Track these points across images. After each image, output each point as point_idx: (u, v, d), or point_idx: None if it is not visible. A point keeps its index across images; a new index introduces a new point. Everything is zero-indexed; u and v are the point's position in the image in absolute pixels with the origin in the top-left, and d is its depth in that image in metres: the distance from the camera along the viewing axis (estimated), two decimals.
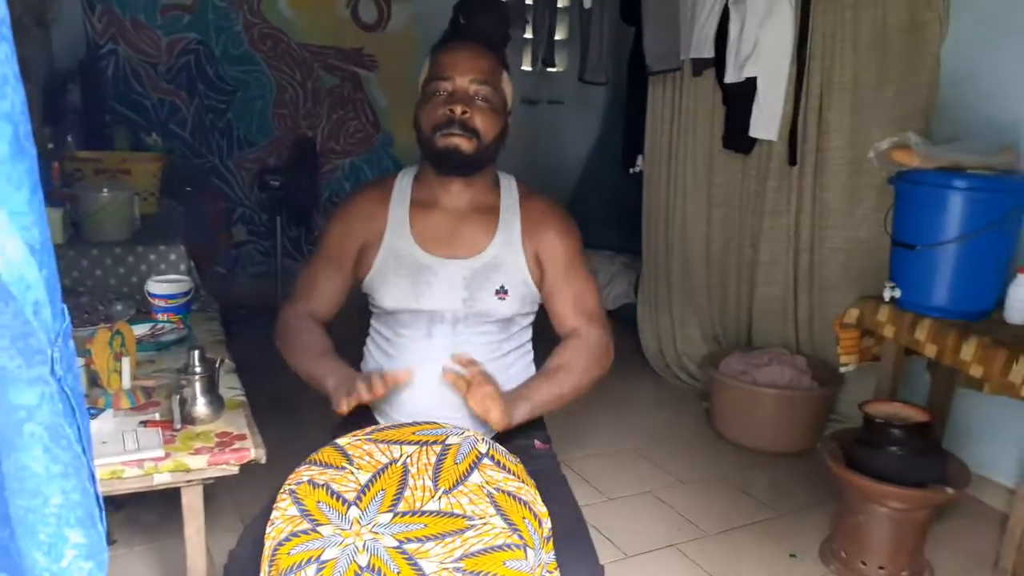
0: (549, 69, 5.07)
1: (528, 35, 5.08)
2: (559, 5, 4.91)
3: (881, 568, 2.12)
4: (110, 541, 0.71)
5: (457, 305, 1.50)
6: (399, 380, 1.44)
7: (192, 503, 1.44)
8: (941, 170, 2.17)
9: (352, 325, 1.73)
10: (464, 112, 1.46)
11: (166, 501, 2.14)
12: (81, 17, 4.01)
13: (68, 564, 0.68)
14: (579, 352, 1.54)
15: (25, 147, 0.56)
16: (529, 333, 1.63)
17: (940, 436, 2.53)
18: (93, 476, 0.67)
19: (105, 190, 2.33)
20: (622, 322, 4.10)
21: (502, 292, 1.51)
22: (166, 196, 2.93)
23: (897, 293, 2.28)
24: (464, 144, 1.46)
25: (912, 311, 2.25)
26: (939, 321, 2.17)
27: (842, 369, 2.59)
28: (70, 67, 3.72)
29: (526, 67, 5.18)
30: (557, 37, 4.97)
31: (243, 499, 2.34)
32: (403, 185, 1.59)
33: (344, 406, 1.38)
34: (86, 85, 3.57)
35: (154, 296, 1.90)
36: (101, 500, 0.68)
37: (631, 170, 3.89)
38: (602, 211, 4.95)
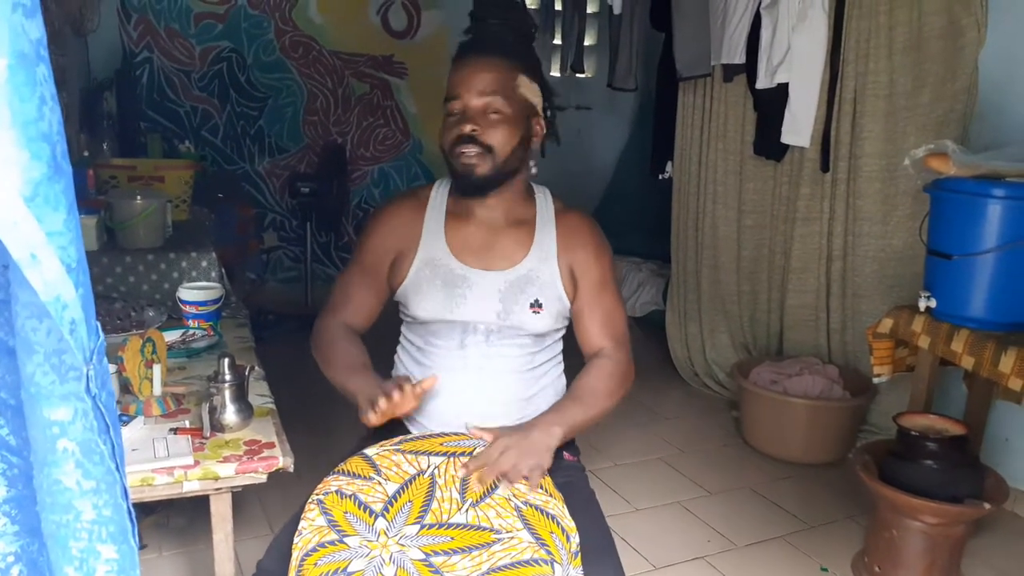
0: (578, 75, 5.05)
1: (557, 41, 5.07)
2: (588, 11, 4.90)
3: None
4: (140, 545, 0.71)
5: (491, 317, 1.48)
6: (426, 389, 1.40)
7: (221, 510, 1.44)
8: (979, 178, 2.13)
9: (383, 334, 1.73)
10: (473, 130, 1.44)
11: (196, 506, 2.17)
12: (117, 27, 4.09)
13: None
14: (606, 375, 1.52)
15: (62, 167, 0.56)
16: (560, 345, 1.61)
17: (977, 449, 2.47)
18: (126, 492, 0.67)
19: (138, 197, 2.36)
20: (650, 329, 4.07)
21: (536, 306, 1.49)
22: (198, 203, 2.96)
23: (932, 303, 2.23)
24: (479, 165, 1.44)
25: (948, 322, 2.20)
26: (976, 332, 2.12)
27: (875, 380, 2.54)
28: (106, 76, 3.79)
29: (555, 73, 5.17)
30: (586, 43, 4.95)
31: (272, 506, 2.36)
32: (439, 196, 1.58)
33: (373, 419, 1.34)
34: (121, 93, 3.64)
35: (185, 303, 1.92)
36: (134, 516, 0.68)
37: (660, 176, 3.86)
38: (630, 217, 4.91)
